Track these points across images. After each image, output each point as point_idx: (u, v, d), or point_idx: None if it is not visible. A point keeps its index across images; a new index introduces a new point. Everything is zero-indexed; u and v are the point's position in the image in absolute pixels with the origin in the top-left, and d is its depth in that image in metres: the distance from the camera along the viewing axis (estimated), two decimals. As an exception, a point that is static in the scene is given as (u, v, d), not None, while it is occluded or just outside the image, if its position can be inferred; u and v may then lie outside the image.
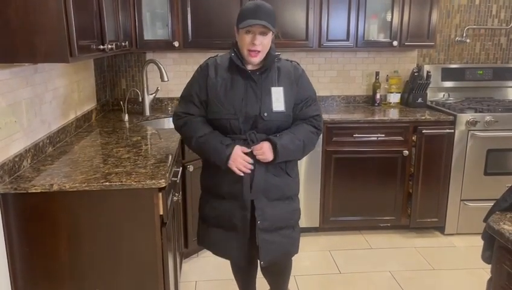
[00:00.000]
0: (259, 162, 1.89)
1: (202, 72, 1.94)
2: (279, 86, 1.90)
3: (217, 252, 2.05)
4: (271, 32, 1.84)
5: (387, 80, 3.68)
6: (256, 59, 1.85)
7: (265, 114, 1.86)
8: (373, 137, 3.16)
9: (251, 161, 1.87)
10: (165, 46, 3.15)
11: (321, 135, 3.04)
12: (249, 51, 1.83)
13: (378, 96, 3.63)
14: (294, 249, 2.08)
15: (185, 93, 1.99)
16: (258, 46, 1.82)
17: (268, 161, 1.87)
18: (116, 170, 1.87)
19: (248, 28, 1.81)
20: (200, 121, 1.93)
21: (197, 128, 1.91)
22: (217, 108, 1.89)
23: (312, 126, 1.97)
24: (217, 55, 2.00)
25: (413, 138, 3.19)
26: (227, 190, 1.93)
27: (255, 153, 1.86)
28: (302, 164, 3.12)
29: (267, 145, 1.86)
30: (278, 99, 1.88)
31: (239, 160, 1.85)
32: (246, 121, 1.87)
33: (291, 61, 2.01)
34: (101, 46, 2.02)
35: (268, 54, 1.89)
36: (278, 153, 1.85)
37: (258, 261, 2.19)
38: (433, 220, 3.31)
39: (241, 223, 1.94)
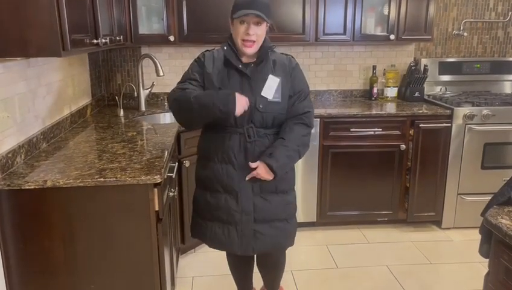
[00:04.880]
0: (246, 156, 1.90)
1: (200, 62, 1.95)
2: (276, 76, 1.90)
3: (216, 245, 2.03)
4: (265, 23, 1.85)
5: (384, 74, 3.66)
6: (251, 49, 1.85)
7: (261, 106, 1.87)
8: (370, 131, 3.15)
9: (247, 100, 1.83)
10: (160, 40, 3.12)
11: (318, 129, 3.08)
12: (243, 41, 1.84)
13: (375, 90, 3.62)
14: (288, 242, 2.07)
15: (183, 78, 1.98)
16: (252, 36, 1.82)
17: (269, 180, 1.90)
18: (111, 165, 1.85)
19: (242, 18, 1.81)
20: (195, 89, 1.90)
21: (193, 91, 1.86)
22: None
23: (303, 125, 1.95)
24: (213, 49, 1.99)
25: (410, 132, 3.18)
26: (222, 183, 1.93)
27: (257, 177, 1.89)
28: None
29: (264, 169, 1.87)
30: (274, 88, 1.89)
31: (242, 100, 1.80)
32: (242, 114, 1.86)
33: (286, 55, 2.01)
34: (95, 41, 2.00)
35: (262, 46, 1.89)
36: (276, 174, 1.87)
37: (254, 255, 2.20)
38: (430, 214, 3.31)
39: (240, 215, 1.93)
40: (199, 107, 1.80)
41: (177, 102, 1.88)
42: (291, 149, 1.89)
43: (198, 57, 1.98)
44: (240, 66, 1.89)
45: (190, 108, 1.82)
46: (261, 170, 1.87)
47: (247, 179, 1.91)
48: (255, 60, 1.92)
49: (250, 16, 1.80)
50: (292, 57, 2.01)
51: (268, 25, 1.89)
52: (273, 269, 2.24)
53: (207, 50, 1.99)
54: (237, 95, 1.79)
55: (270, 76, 1.90)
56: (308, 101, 1.99)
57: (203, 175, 2.01)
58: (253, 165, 1.88)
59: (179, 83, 1.97)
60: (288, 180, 2.01)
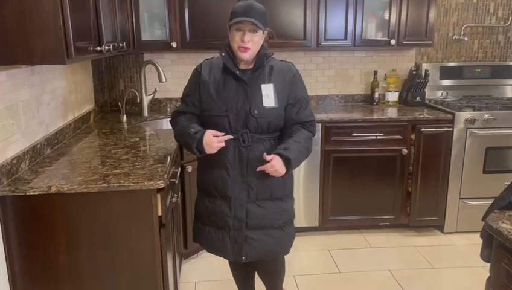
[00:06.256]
0: (240, 162, 1.92)
1: (196, 73, 1.99)
2: (269, 82, 1.92)
3: (212, 250, 2.05)
4: (261, 30, 1.86)
5: (385, 79, 3.68)
6: (247, 55, 1.87)
7: (256, 111, 1.88)
8: (372, 136, 3.16)
9: (223, 137, 1.85)
10: (162, 46, 3.15)
11: (320, 134, 3.10)
12: (239, 47, 1.86)
13: (376, 95, 3.63)
14: (282, 250, 2.05)
15: (182, 95, 2.04)
16: (247, 43, 1.83)
17: (280, 175, 1.89)
18: (115, 171, 1.86)
19: (238, 25, 1.84)
20: (184, 118, 1.98)
21: (176, 122, 2.00)
22: (208, 105, 1.92)
23: (308, 132, 1.99)
24: (213, 57, 2.02)
25: (411, 136, 3.19)
26: (217, 189, 1.95)
27: (267, 171, 1.87)
28: (301, 164, 3.11)
29: (279, 162, 1.86)
30: (268, 96, 1.90)
31: (215, 144, 1.84)
32: (237, 119, 1.88)
33: (285, 62, 2.02)
34: (98, 48, 2.02)
35: (259, 52, 1.91)
36: (289, 168, 1.89)
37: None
38: (432, 218, 3.31)
39: (233, 221, 1.94)
40: (178, 142, 2.08)
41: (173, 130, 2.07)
42: (302, 146, 1.92)
43: (196, 67, 2.02)
44: (238, 72, 1.90)
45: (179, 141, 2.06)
46: (277, 162, 1.85)
47: (258, 169, 1.88)
48: (252, 66, 1.93)
49: (246, 23, 1.82)
50: (292, 64, 2.02)
51: (265, 32, 1.90)
52: (271, 275, 2.24)
53: (206, 59, 2.03)
54: (205, 137, 1.84)
55: (262, 85, 1.90)
56: (310, 109, 2.01)
57: (202, 180, 2.04)
58: (268, 157, 1.85)
59: (180, 100, 2.07)
60: (284, 187, 2.00)
